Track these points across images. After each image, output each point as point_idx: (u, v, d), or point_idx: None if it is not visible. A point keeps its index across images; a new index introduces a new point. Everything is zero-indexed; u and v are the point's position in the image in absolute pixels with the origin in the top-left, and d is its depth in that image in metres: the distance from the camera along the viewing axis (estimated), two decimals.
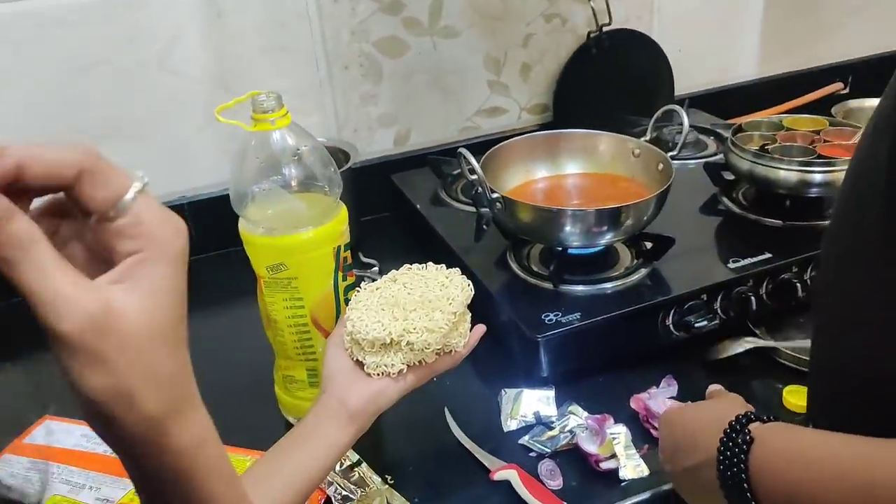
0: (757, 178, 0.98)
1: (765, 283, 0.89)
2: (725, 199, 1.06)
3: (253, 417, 0.83)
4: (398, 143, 1.27)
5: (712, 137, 1.26)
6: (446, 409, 0.81)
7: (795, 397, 0.79)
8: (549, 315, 0.83)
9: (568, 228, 0.83)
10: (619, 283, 0.88)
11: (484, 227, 1.04)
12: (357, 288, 0.70)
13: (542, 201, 0.96)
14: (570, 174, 1.00)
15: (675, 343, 0.86)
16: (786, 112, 1.36)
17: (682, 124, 0.93)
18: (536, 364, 0.82)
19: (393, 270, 0.71)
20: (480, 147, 1.28)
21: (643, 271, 0.89)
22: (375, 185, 1.23)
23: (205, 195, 1.15)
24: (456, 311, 0.65)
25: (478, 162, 0.87)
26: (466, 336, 0.68)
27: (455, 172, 1.19)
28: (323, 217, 0.70)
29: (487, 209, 0.88)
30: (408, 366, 0.65)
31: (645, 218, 0.84)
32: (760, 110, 1.39)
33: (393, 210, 1.26)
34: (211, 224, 1.00)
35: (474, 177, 0.86)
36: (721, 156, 1.16)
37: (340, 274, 0.73)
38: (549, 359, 0.82)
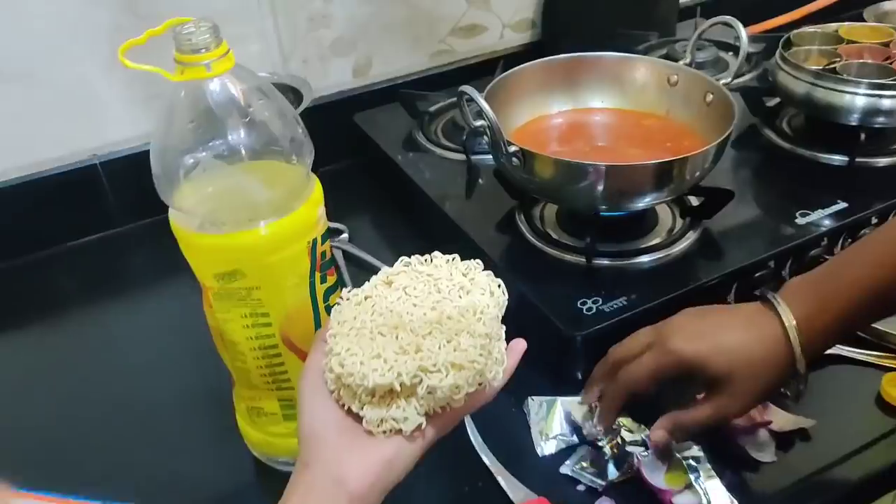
0: (818, 104, 0.79)
1: (841, 241, 0.72)
2: (768, 132, 0.88)
3: (210, 454, 0.63)
4: (358, 75, 1.03)
5: (731, 53, 1.06)
6: (469, 423, 0.63)
7: None
8: (585, 301, 0.64)
9: (608, 189, 0.63)
10: (664, 252, 0.69)
11: (479, 180, 0.84)
12: (339, 297, 0.49)
13: (560, 144, 0.75)
14: (588, 109, 0.79)
15: None
16: (805, 16, 1.17)
17: (738, 38, 0.72)
18: (571, 364, 0.64)
19: (385, 268, 0.50)
20: (458, 76, 1.07)
21: (692, 235, 0.71)
22: (333, 128, 0.99)
23: (123, 152, 0.91)
24: (489, 332, 0.46)
25: (471, 105, 0.65)
26: (503, 361, 0.48)
27: (432, 109, 0.97)
28: (291, 200, 0.49)
29: (488, 158, 0.68)
30: (427, 415, 0.45)
31: (701, 172, 0.65)
32: (773, 17, 1.20)
33: (357, 157, 1.03)
34: (134, 188, 0.78)
35: (481, 122, 0.64)
36: (751, 75, 0.98)
37: (318, 275, 0.52)
38: (589, 358, 0.64)
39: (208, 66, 0.43)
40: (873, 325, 0.67)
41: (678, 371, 0.53)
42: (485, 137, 0.67)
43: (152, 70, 0.43)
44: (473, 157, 0.86)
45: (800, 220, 0.72)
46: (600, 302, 0.64)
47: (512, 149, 0.63)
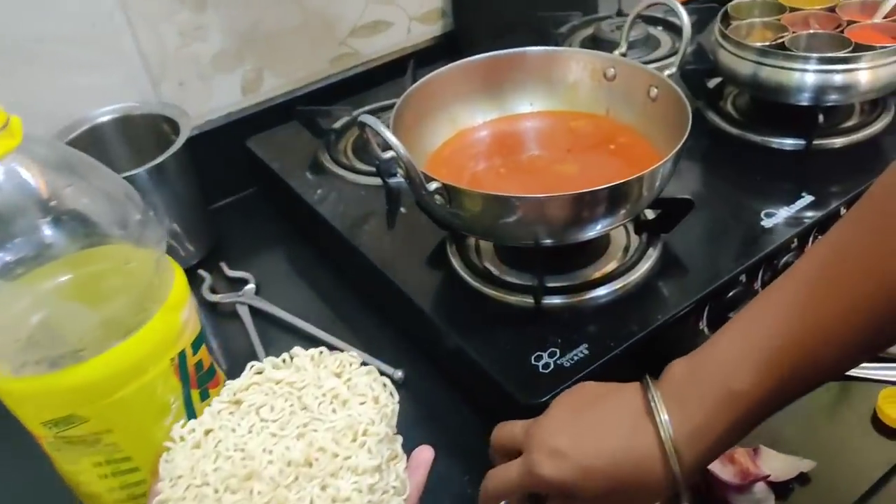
0: (766, 85, 0.71)
1: (811, 238, 0.64)
2: (713, 116, 0.78)
3: None
4: (248, 92, 0.89)
5: (661, 28, 0.97)
6: None
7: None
8: (540, 356, 0.54)
9: (551, 223, 0.52)
10: (623, 281, 0.59)
11: (400, 208, 0.72)
12: (171, 436, 0.36)
13: (488, 161, 0.64)
14: (515, 116, 0.68)
15: None
16: None
17: (682, 23, 0.62)
18: None
19: (230, 383, 0.38)
20: (364, 80, 0.94)
21: (652, 254, 0.61)
22: (226, 156, 0.86)
23: None
24: (378, 462, 0.34)
25: (385, 118, 0.54)
26: (404, 489, 0.37)
27: (337, 126, 0.84)
28: (136, 311, 0.36)
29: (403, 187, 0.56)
30: None
31: (660, 186, 0.55)
32: None
33: (256, 186, 0.90)
34: None
35: (390, 154, 0.52)
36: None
37: (197, 392, 0.39)
38: None
39: None
40: None
41: (543, 490, 0.44)
42: (399, 170, 0.55)
43: None
44: (391, 181, 0.74)
45: (766, 223, 0.63)
46: (557, 354, 0.53)
47: (433, 186, 0.51)
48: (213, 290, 0.75)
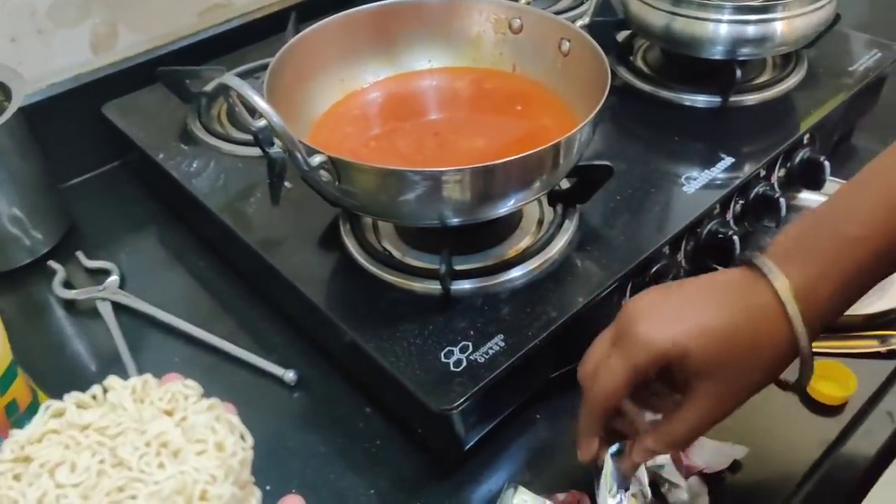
0: (679, 38, 0.66)
1: (732, 206, 0.60)
2: (624, 71, 0.73)
3: None
4: (100, 50, 0.76)
5: None
6: None
7: (827, 383, 0.53)
8: (451, 352, 0.47)
9: (456, 200, 0.45)
10: (539, 260, 0.53)
11: (284, 182, 0.62)
12: None
13: (382, 127, 0.56)
14: (413, 73, 0.60)
15: None
16: None
17: None
18: (456, 442, 0.47)
19: (16, 433, 0.28)
20: (239, 36, 0.83)
21: (569, 227, 0.55)
22: (76, 127, 0.74)
23: None
24: None
25: (251, 80, 0.45)
26: None
27: (209, 88, 0.73)
28: None
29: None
30: None
31: (578, 154, 0.48)
32: None
33: (118, 160, 0.78)
34: None
35: (262, 123, 0.44)
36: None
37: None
38: (469, 427, 0.47)
39: None
40: None
41: (655, 366, 0.39)
42: (276, 140, 0.46)
43: None
44: (272, 151, 0.64)
45: (687, 188, 0.58)
46: (470, 348, 0.47)
47: (316, 160, 0.42)
48: (69, 285, 0.64)
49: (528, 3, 0.58)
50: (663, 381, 0.42)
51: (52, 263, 0.65)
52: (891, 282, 0.60)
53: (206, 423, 0.28)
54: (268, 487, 0.43)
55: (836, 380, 0.53)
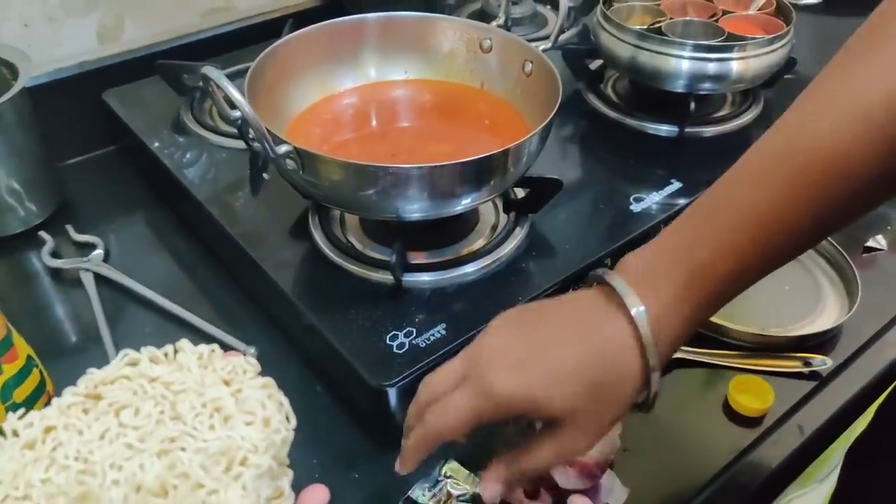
0: (643, 69, 0.71)
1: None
2: (593, 98, 0.78)
3: None
4: (106, 41, 0.81)
5: (549, 7, 0.95)
6: None
7: (747, 396, 0.57)
8: (395, 335, 0.51)
9: (413, 195, 0.49)
10: (489, 259, 0.57)
11: (263, 174, 0.67)
12: (2, 427, 0.31)
13: (354, 130, 0.61)
14: (389, 83, 0.65)
15: None
16: None
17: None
18: (392, 420, 0.51)
19: (93, 372, 0.32)
20: (238, 39, 0.88)
21: (519, 233, 0.60)
22: (77, 111, 0.79)
23: None
24: (255, 501, 0.29)
25: (241, 80, 0.49)
26: None
27: (202, 83, 0.78)
28: None
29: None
30: None
31: (527, 161, 0.53)
32: None
33: (112, 144, 0.83)
34: None
35: (237, 113, 0.48)
36: (571, 32, 0.88)
37: (12, 417, 0.34)
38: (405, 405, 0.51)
39: None
40: (711, 319, 0.60)
41: (501, 416, 0.39)
42: (249, 132, 0.51)
43: None
44: (256, 145, 0.69)
45: (634, 207, 0.63)
46: (414, 334, 0.51)
47: (283, 148, 0.47)
48: (56, 255, 0.68)
49: (500, 27, 0.63)
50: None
51: (43, 234, 0.69)
52: (823, 305, 0.65)
53: (258, 399, 0.31)
54: None
55: (756, 394, 0.57)
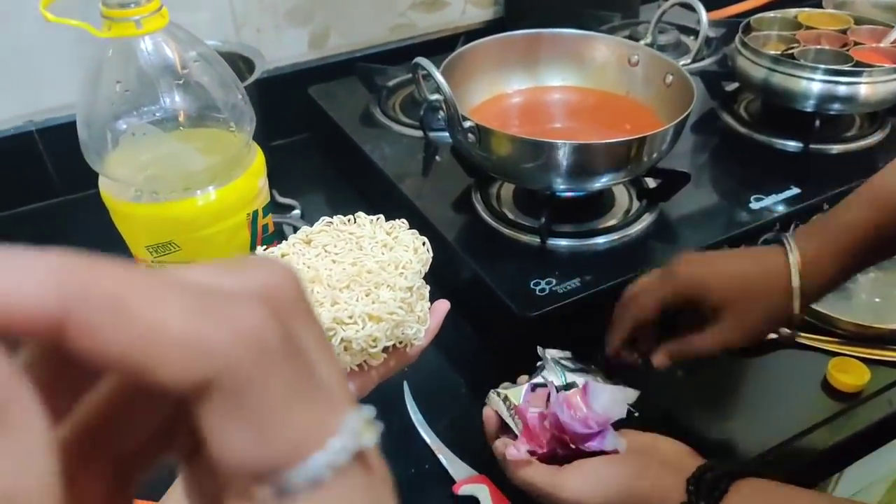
0: (775, 90, 0.79)
1: (792, 227, 0.72)
2: (726, 116, 0.87)
3: None
4: (314, 47, 1.00)
5: (693, 38, 1.05)
6: (407, 392, 0.62)
7: (846, 374, 0.64)
8: (538, 282, 0.63)
9: (565, 168, 0.61)
10: (620, 234, 0.68)
11: (436, 157, 0.82)
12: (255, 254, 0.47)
13: (518, 122, 0.74)
14: (548, 87, 0.78)
15: None
16: (767, 3, 1.17)
17: (699, 21, 0.71)
18: (525, 346, 0.63)
19: (305, 227, 0.49)
20: (417, 50, 1.04)
21: (648, 217, 0.70)
22: (288, 101, 0.97)
23: (62, 119, 0.86)
24: (411, 285, 0.45)
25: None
26: (426, 321, 0.47)
27: (391, 84, 0.95)
28: (229, 169, 0.47)
29: (445, 135, 0.65)
30: None
31: (659, 153, 0.64)
32: (736, 3, 1.20)
33: (312, 131, 1.01)
34: (74, 155, 0.74)
35: (437, 96, 0.62)
36: (711, 59, 0.97)
37: (260, 249, 0.50)
38: (542, 339, 0.63)
39: (138, 22, 0.40)
40: (821, 309, 0.67)
41: (681, 295, 0.54)
42: (441, 112, 0.65)
43: (76, 24, 0.40)
44: (431, 134, 0.84)
45: (753, 205, 0.72)
46: (554, 283, 0.63)
47: (467, 124, 0.61)
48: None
49: (648, 44, 0.75)
50: (691, 320, 0.56)
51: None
52: None
53: (409, 239, 0.48)
54: None
55: (853, 373, 0.64)
